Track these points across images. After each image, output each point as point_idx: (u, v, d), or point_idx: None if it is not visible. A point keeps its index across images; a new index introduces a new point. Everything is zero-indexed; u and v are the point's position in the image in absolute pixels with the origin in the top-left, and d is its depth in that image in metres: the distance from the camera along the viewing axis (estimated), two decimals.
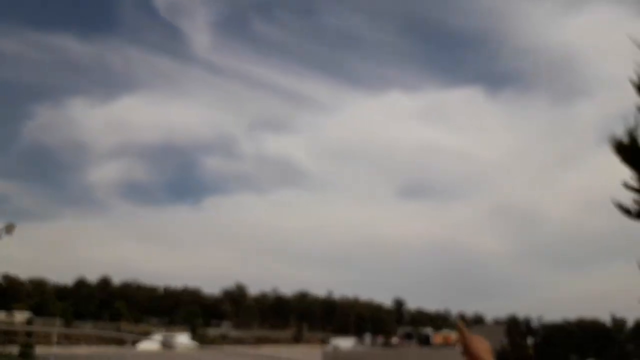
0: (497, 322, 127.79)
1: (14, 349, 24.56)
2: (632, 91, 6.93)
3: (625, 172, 7.30)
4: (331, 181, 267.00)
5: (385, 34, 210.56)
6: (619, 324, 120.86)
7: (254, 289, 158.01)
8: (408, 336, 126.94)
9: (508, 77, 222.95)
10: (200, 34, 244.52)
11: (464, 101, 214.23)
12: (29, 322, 71.83)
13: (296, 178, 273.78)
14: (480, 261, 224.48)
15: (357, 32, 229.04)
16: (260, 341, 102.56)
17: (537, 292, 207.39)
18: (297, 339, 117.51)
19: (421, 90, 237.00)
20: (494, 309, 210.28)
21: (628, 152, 6.03)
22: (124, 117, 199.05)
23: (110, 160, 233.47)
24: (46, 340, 23.87)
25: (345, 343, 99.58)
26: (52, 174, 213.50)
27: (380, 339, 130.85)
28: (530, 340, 79.79)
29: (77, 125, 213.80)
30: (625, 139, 6.20)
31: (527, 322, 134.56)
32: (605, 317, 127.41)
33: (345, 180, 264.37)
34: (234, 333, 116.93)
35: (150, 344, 32.24)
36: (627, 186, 6.74)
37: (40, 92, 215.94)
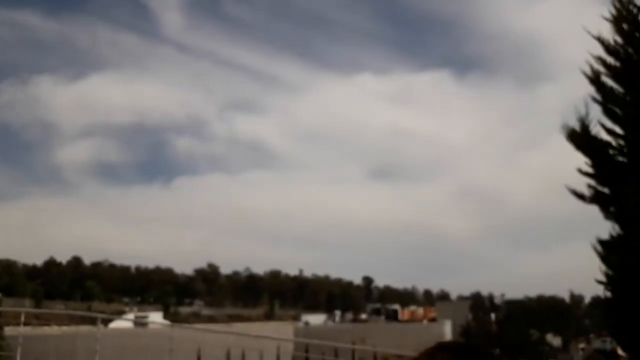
0: (461, 299, 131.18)
1: None
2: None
3: (582, 157, 7.56)
4: (302, 162, 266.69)
5: (355, 16, 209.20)
6: (577, 300, 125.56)
7: (226, 268, 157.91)
8: (376, 312, 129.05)
9: (475, 61, 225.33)
10: (169, 13, 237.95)
11: (432, 84, 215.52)
12: None
13: (267, 159, 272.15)
14: (446, 240, 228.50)
15: (327, 14, 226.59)
16: (232, 319, 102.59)
17: (500, 270, 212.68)
18: (269, 316, 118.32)
19: (390, 73, 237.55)
20: (459, 286, 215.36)
21: (580, 140, 6.23)
22: (93, 97, 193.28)
23: (79, 140, 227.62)
24: (16, 320, 23.46)
25: (316, 319, 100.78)
26: (18, 153, 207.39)
27: (350, 315, 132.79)
28: (493, 316, 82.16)
29: (44, 104, 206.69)
30: (577, 127, 6.40)
31: (490, 299, 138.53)
32: (564, 294, 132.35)
33: (315, 162, 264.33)
34: (206, 311, 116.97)
35: (123, 323, 32.06)
36: (581, 172, 6.97)
37: (5, 70, 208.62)
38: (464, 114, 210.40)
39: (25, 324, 13.65)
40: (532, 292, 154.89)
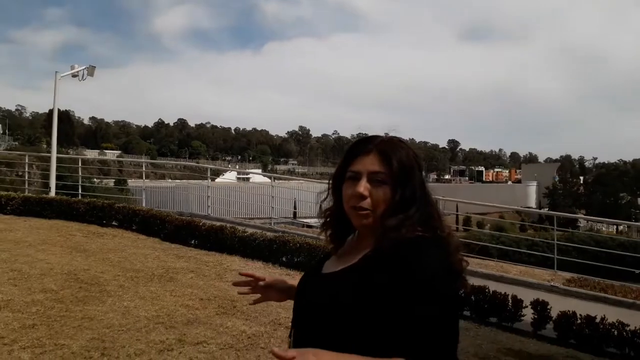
0: (550, 161, 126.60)
1: (110, 182, 26.97)
2: None
3: None
4: (390, 24, 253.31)
5: None
6: None
7: (316, 131, 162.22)
8: (460, 173, 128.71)
9: None
10: None
11: None
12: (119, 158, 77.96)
13: (354, 21, 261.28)
14: (538, 103, 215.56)
15: None
16: (323, 176, 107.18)
17: (594, 134, 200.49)
18: None
19: None
20: (549, 150, 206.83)
21: None
22: None
23: (174, 7, 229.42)
24: (136, 175, 25.92)
25: None
26: (119, 22, 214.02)
27: (433, 176, 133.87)
28: (581, 179, 79.10)
29: None
30: None
31: (580, 162, 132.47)
32: None
33: (404, 23, 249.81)
34: (299, 169, 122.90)
35: (228, 177, 34.52)
36: None
37: None
38: None
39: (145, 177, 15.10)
40: (628, 156, 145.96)
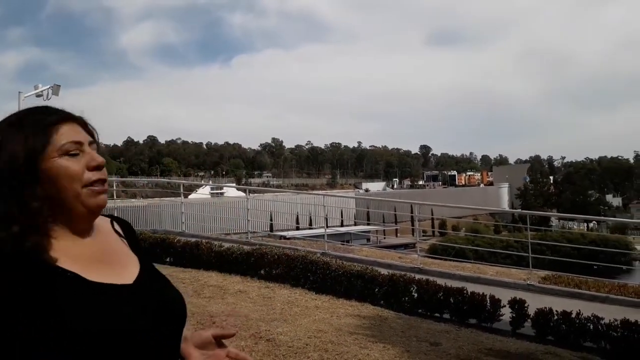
0: (520, 163, 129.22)
1: None
2: None
3: None
4: (357, 33, 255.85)
5: None
6: None
7: (289, 143, 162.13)
8: (433, 178, 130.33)
9: None
10: None
11: None
12: None
13: (320, 31, 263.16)
14: (506, 106, 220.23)
15: None
16: (298, 188, 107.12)
17: (562, 134, 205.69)
18: (331, 185, 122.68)
19: None
20: (518, 151, 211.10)
21: None
22: None
23: (139, 23, 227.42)
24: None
25: (375, 186, 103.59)
26: (84, 40, 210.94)
27: (407, 182, 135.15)
28: (551, 179, 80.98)
29: None
30: None
31: (549, 162, 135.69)
32: (629, 155, 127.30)
33: (371, 31, 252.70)
34: (274, 182, 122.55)
35: (202, 192, 34.15)
36: None
37: None
38: None
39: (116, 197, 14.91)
40: (594, 154, 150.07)
